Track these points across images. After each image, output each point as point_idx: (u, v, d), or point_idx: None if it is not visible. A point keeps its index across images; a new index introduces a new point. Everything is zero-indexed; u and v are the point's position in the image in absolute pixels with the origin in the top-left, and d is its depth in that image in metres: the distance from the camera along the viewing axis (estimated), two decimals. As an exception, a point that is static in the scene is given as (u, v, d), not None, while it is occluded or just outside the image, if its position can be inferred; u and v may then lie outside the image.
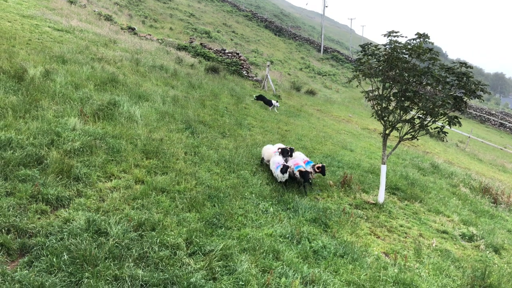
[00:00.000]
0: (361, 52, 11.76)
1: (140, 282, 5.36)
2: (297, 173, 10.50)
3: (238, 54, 28.82)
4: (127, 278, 5.35)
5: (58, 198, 7.10)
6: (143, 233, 6.61)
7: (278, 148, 11.60)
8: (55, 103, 11.13)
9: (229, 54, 28.45)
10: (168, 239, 6.53)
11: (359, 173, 13.68)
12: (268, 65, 27.10)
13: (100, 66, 15.66)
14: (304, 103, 27.07)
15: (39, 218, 6.44)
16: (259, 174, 11.06)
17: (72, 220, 6.51)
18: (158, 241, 6.41)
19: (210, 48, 28.70)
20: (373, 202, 11.37)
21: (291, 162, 11.04)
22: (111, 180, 8.46)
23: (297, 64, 43.97)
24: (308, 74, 42.07)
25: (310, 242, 7.94)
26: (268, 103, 18.80)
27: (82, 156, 8.82)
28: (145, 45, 23.89)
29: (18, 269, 5.20)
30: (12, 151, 7.97)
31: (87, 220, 6.45)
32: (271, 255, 6.98)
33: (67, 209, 6.91)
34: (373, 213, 10.71)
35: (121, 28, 27.71)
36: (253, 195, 9.58)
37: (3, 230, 5.85)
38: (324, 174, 11.20)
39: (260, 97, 17.90)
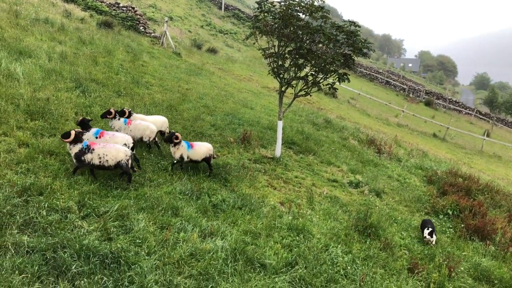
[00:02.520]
0: (258, 8, 11.81)
1: (26, 249, 5.05)
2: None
3: (133, 8, 27.07)
4: (10, 246, 5.00)
5: None
6: (28, 198, 6.17)
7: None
8: None
9: (124, 8, 26.62)
10: (58, 202, 6.19)
11: (259, 130, 14.12)
12: (167, 21, 25.99)
13: (-32, 17, 13.68)
14: (206, 62, 26.70)
15: None
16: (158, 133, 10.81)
17: None
18: (46, 205, 6.04)
19: (102, 1, 26.50)
20: (271, 156, 11.89)
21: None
22: (-11, 145, 7.66)
23: (198, 21, 42.76)
24: (210, 32, 41.26)
25: (209, 197, 8.12)
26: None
27: (-50, 119, 7.81)
28: (25, -5, 21.25)
29: None
30: None
31: (-41, 189, 5.83)
32: (170, 212, 7.01)
33: None
34: (271, 166, 11.22)
35: (-6, -26, 24.19)
36: (152, 155, 9.41)
37: None
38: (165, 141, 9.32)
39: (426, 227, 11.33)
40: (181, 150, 9.00)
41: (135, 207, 6.76)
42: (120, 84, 13.78)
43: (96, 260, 5.18)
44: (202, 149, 9.29)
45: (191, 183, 8.46)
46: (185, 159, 9.09)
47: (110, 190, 7.20)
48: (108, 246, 5.45)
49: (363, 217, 9.03)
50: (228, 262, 5.96)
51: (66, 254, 5.08)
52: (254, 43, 12.28)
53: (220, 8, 51.77)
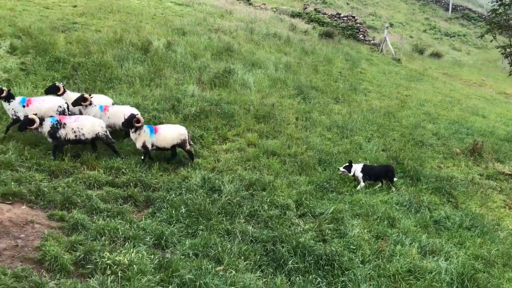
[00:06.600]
0: (497, 2, 10.23)
1: (250, 238, 5.49)
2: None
3: (354, 17, 27.40)
4: (237, 233, 5.52)
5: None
6: (254, 192, 6.75)
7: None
8: (176, 72, 11.86)
9: (345, 18, 27.22)
10: (278, 199, 6.56)
11: (493, 141, 12.16)
12: (387, 27, 25.32)
13: (216, 37, 16.18)
14: (428, 67, 24.82)
15: (161, 175, 6.97)
16: (374, 140, 10.47)
17: (190, 178, 6.92)
18: (268, 200, 6.48)
19: (324, 13, 27.77)
20: (509, 172, 10.04)
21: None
22: (225, 143, 8.78)
23: (420, 25, 40.34)
24: (433, 36, 38.34)
25: (430, 212, 7.36)
26: None
27: (199, 120, 9.27)
28: (260, 14, 24.01)
29: (143, 218, 5.69)
30: (140, 113, 8.66)
31: (203, 178, 6.79)
32: (385, 222, 6.61)
33: (185, 168, 7.36)
34: (509, 185, 9.48)
35: (237, -1, 28.24)
36: (368, 162, 9.10)
37: (131, 184, 6.45)
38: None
39: None
40: (143, 137, 7.21)
41: (350, 212, 6.62)
42: (338, 91, 14.00)
43: (311, 260, 5.21)
44: (169, 133, 7.42)
45: (409, 194, 7.82)
46: (150, 147, 7.29)
47: (326, 193, 7.25)
48: (322, 247, 5.43)
49: None
50: (454, 287, 5.16)
51: (284, 249, 5.29)
52: (491, 41, 10.69)
53: (446, 9, 47.61)
